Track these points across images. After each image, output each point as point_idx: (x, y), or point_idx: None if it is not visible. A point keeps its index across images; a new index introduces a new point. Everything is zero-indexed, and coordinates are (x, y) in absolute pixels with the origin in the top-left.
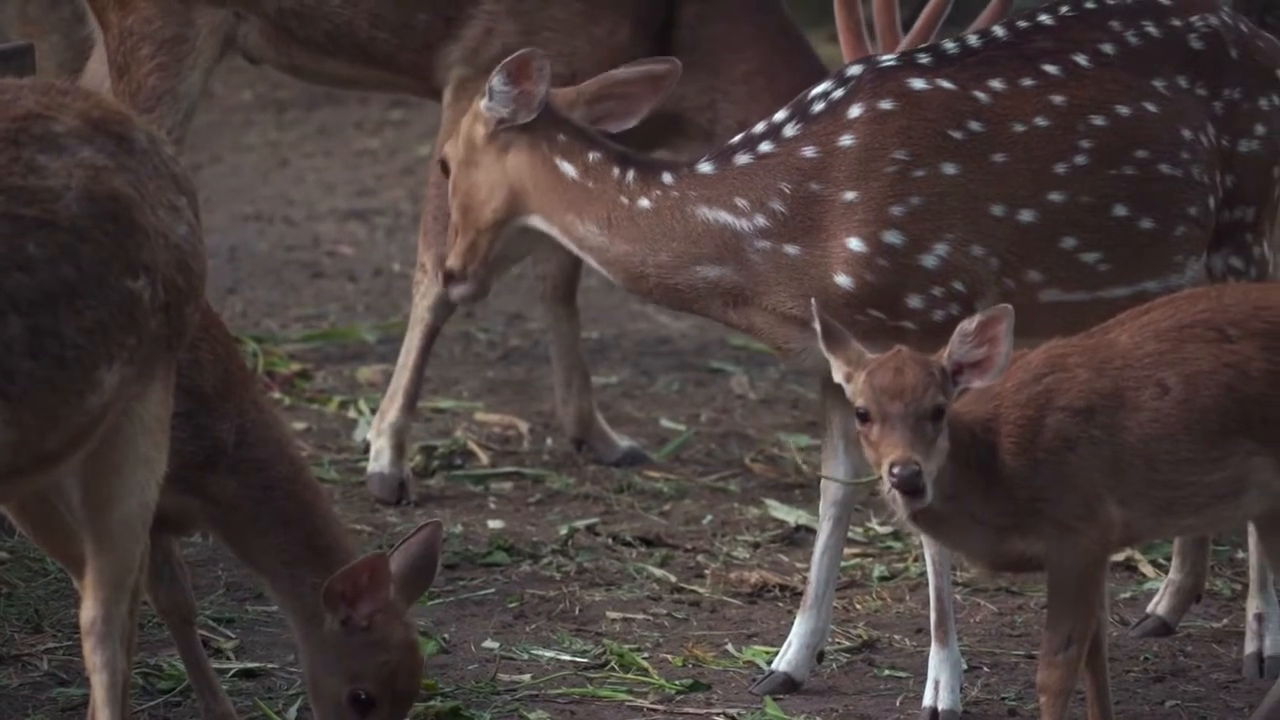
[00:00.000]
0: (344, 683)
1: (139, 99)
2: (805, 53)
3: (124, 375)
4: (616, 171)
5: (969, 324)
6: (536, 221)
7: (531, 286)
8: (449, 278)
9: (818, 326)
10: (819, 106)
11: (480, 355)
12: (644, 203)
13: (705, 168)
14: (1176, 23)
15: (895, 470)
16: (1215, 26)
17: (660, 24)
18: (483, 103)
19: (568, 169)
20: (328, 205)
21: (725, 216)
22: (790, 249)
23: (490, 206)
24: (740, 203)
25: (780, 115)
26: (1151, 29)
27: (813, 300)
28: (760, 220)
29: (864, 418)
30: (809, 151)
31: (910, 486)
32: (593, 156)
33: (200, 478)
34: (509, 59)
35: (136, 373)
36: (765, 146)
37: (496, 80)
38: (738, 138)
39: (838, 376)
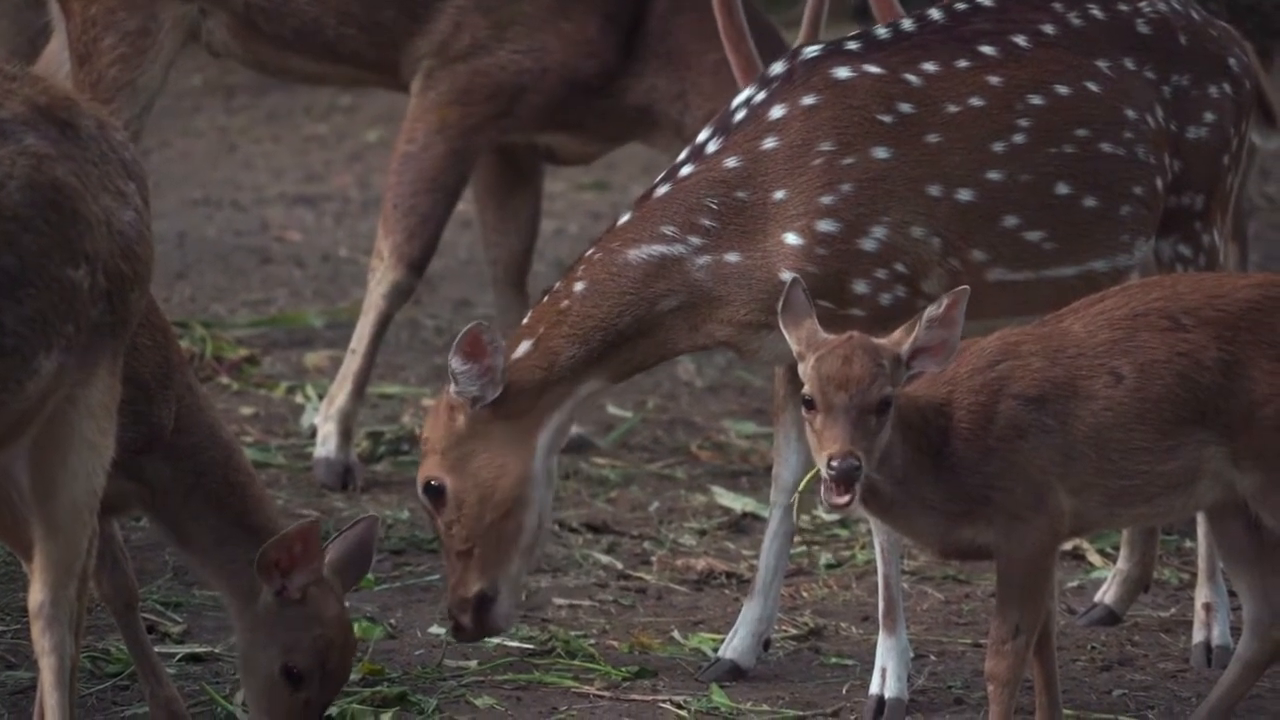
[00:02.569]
0: (278, 655)
1: (99, 89)
2: (776, 44)
3: (63, 363)
4: (543, 317)
5: (935, 308)
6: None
7: (480, 272)
8: (483, 602)
9: (781, 302)
10: (740, 115)
11: (427, 341)
12: (578, 287)
13: (624, 219)
14: (1123, 7)
15: (834, 464)
16: (1164, 13)
17: (631, 18)
18: (452, 389)
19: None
20: (276, 190)
21: (657, 248)
22: (731, 257)
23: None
24: (668, 230)
25: (702, 135)
26: (1096, 12)
27: (795, 277)
28: (694, 239)
29: (809, 405)
30: (731, 162)
31: (847, 480)
32: (523, 349)
33: (139, 463)
34: (460, 338)
35: (78, 360)
36: (686, 170)
37: (454, 362)
38: (661, 174)
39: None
